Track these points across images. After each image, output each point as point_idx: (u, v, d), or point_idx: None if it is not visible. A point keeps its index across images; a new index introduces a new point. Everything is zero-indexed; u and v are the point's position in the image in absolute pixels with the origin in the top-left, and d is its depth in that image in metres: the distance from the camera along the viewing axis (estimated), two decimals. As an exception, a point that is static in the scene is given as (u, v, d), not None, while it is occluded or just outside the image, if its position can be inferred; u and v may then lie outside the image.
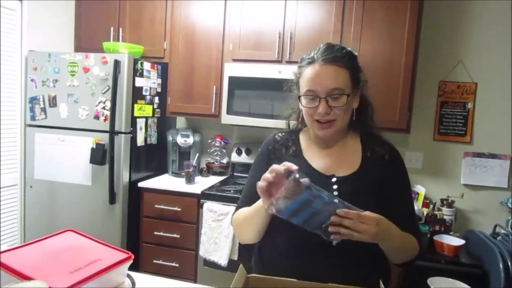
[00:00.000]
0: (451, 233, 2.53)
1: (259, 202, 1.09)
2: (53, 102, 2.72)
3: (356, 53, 1.22)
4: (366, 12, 2.56)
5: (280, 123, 1.37)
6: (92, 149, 2.62)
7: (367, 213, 0.97)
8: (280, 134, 1.30)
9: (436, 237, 2.43)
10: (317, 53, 1.14)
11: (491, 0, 2.67)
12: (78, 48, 3.16)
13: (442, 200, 2.71)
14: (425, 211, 2.60)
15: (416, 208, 2.49)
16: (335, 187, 1.14)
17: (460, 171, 2.80)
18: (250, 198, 1.19)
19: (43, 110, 2.74)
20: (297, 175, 0.93)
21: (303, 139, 1.27)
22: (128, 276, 1.11)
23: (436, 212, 2.59)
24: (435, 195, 2.81)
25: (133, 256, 1.06)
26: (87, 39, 3.14)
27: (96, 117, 2.64)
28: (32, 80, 2.74)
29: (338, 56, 1.12)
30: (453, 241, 2.41)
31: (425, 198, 2.76)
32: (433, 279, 1.89)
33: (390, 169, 1.18)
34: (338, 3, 2.60)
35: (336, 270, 1.11)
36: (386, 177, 1.16)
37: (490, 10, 2.68)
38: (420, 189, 2.76)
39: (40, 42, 2.86)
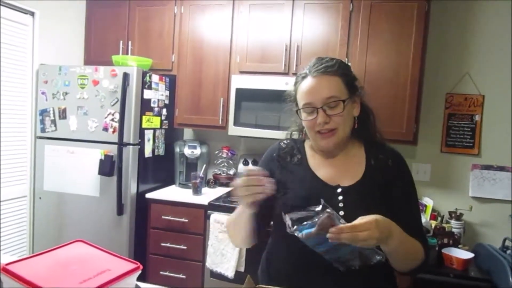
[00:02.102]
0: (459, 246, 2.50)
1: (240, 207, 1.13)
2: (63, 114, 2.76)
3: (349, 63, 1.24)
4: (372, 24, 2.59)
5: (285, 135, 1.38)
6: (101, 160, 2.65)
7: (361, 219, 0.94)
8: (285, 141, 1.31)
9: (444, 250, 2.41)
10: (308, 67, 1.18)
11: (498, 12, 2.68)
12: (88, 61, 3.22)
13: (450, 213, 2.69)
14: (433, 223, 2.58)
15: (424, 220, 2.48)
16: (340, 197, 1.13)
17: (468, 184, 2.78)
18: None
19: (53, 122, 2.78)
20: (329, 210, 0.94)
21: (308, 147, 1.27)
22: (137, 286, 1.11)
23: (444, 225, 2.57)
24: (443, 207, 2.79)
25: (141, 267, 1.07)
26: (96, 53, 3.21)
27: (105, 129, 2.67)
28: (42, 93, 2.79)
29: (328, 66, 1.15)
30: (462, 254, 2.38)
31: (433, 210, 2.74)
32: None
33: (394, 174, 1.17)
34: (344, 16, 2.63)
35: (343, 283, 1.10)
36: (390, 182, 1.15)
37: (496, 22, 2.69)
38: (428, 202, 2.74)
39: (51, 56, 2.92)
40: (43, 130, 2.81)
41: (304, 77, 1.17)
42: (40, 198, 2.84)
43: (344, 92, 1.14)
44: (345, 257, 0.96)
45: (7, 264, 0.95)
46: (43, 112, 2.80)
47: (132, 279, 1.07)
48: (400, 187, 1.17)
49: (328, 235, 0.91)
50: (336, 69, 1.15)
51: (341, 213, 1.10)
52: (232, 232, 1.27)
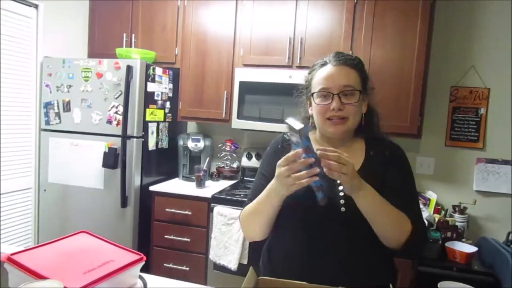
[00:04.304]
0: (463, 240, 2.50)
1: (269, 188, 1.11)
2: (67, 107, 2.77)
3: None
4: (377, 17, 2.56)
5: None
6: (105, 153, 2.66)
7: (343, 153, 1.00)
8: (288, 133, 1.31)
9: (448, 244, 2.40)
10: (328, 57, 1.22)
11: (504, 4, 2.65)
12: (92, 54, 3.22)
13: (454, 207, 2.68)
14: (437, 217, 2.58)
15: (427, 214, 2.48)
16: (340, 187, 1.15)
17: (472, 178, 2.77)
18: (258, 195, 1.20)
19: (57, 115, 2.79)
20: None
21: (311, 139, 1.28)
22: (140, 277, 1.12)
23: (447, 219, 2.56)
24: (447, 201, 2.78)
25: (145, 258, 1.08)
26: (100, 45, 3.20)
27: (109, 122, 2.68)
28: (46, 86, 2.80)
29: (348, 59, 1.19)
30: (465, 248, 2.38)
31: (437, 204, 2.73)
32: (443, 283, 1.87)
33: (390, 163, 1.19)
34: (349, 9, 2.60)
35: (344, 273, 1.11)
36: (386, 171, 1.18)
37: (503, 15, 2.66)
38: (431, 195, 2.74)
39: (55, 49, 2.92)
40: (47, 122, 2.82)
41: (323, 65, 1.21)
42: (44, 190, 2.86)
43: (360, 86, 1.18)
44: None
45: (12, 254, 0.96)
46: (47, 105, 2.81)
47: (136, 270, 1.08)
48: (395, 174, 1.18)
49: (319, 153, 0.99)
50: (356, 63, 1.20)
51: (342, 201, 1.13)
52: (250, 222, 1.23)
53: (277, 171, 1.03)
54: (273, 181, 1.08)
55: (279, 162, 1.02)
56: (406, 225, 1.11)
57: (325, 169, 0.98)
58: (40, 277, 0.90)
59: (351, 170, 0.99)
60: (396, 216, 1.10)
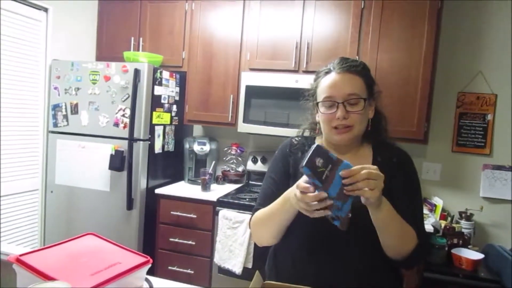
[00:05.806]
0: (469, 246, 2.48)
1: (286, 196, 1.09)
2: (74, 109, 2.79)
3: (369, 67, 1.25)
4: (384, 22, 2.57)
5: (296, 132, 1.39)
6: (111, 155, 2.67)
7: (372, 166, 0.96)
8: (296, 138, 1.33)
9: (454, 251, 2.39)
10: (332, 64, 1.21)
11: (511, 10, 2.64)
12: (100, 57, 3.25)
13: (460, 213, 2.66)
14: (443, 223, 2.56)
15: (433, 220, 2.47)
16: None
17: (479, 184, 2.75)
18: (268, 199, 1.20)
19: (65, 117, 2.82)
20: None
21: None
22: (146, 280, 1.13)
23: (454, 225, 2.54)
24: (453, 207, 2.77)
25: (151, 261, 1.08)
26: (108, 49, 3.23)
27: (116, 125, 2.70)
28: (55, 88, 2.83)
29: (353, 65, 1.18)
30: (472, 255, 2.36)
31: (443, 210, 2.71)
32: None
33: (397, 170, 1.18)
34: (356, 13, 2.61)
35: (351, 278, 1.11)
36: (393, 178, 1.16)
37: (510, 20, 2.65)
38: (437, 201, 2.72)
39: (64, 51, 2.95)
40: (55, 124, 2.85)
41: (327, 73, 1.20)
42: (51, 191, 2.88)
43: (365, 93, 1.17)
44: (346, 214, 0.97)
45: (20, 255, 0.97)
46: (56, 107, 2.84)
47: (142, 272, 1.09)
48: (402, 182, 1.17)
49: (344, 181, 0.94)
50: (360, 69, 1.18)
51: None
52: (262, 227, 1.23)
53: (294, 190, 1.00)
54: (290, 191, 1.06)
55: (299, 184, 0.98)
56: (413, 239, 1.11)
57: (345, 189, 0.95)
58: (48, 278, 0.91)
59: (381, 184, 0.96)
60: (405, 230, 1.10)
